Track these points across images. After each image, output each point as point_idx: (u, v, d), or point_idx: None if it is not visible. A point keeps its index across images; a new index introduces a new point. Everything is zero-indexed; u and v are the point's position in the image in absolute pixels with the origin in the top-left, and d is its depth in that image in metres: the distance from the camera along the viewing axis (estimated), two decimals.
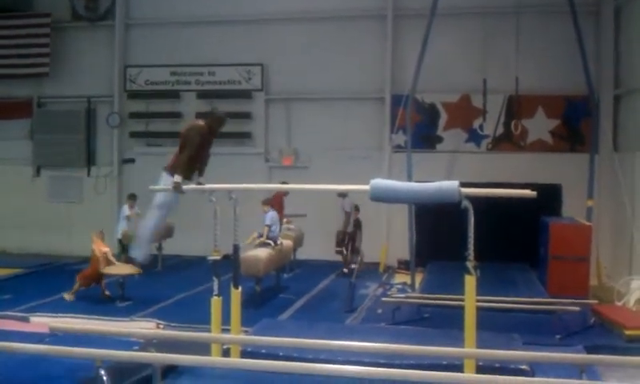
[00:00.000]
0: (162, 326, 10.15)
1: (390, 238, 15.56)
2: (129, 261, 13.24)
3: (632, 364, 6.78)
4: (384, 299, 11.21)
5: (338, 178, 9.53)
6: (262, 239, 12.21)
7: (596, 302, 10.87)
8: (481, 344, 6.88)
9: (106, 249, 11.83)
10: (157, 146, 16.67)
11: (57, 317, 10.30)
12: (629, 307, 11.02)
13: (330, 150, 16.24)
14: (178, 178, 7.63)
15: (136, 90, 17.40)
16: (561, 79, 15.07)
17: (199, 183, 7.93)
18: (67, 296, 11.69)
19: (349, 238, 14.55)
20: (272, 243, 12.21)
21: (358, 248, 14.41)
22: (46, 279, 13.97)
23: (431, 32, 12.68)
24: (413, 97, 13.52)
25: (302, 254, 15.30)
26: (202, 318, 8.64)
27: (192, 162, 7.87)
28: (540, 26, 15.05)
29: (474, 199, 6.65)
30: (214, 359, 7.39)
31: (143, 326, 10.04)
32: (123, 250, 13.92)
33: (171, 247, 15.28)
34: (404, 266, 14.79)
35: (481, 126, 15.14)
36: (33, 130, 17.79)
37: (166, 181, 7.83)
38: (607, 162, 14.11)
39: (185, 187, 7.68)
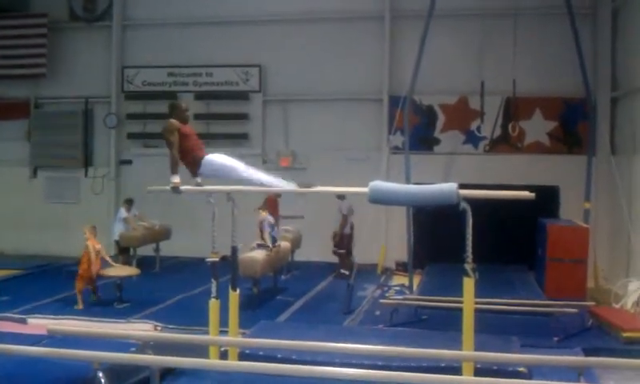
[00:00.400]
0: (159, 328, 10.12)
1: (387, 240, 15.54)
2: (126, 262, 13.26)
3: (629, 366, 6.80)
4: (382, 301, 11.23)
5: (336, 180, 9.48)
6: (269, 248, 12.07)
7: (593, 304, 10.87)
8: (479, 346, 6.86)
9: (98, 245, 11.73)
10: (154, 147, 16.56)
11: (55, 319, 10.29)
12: (626, 309, 11.04)
13: (327, 152, 16.21)
14: (176, 179, 7.61)
15: (133, 90, 17.36)
16: (558, 81, 15.10)
17: (197, 184, 7.91)
18: (78, 308, 11.32)
19: (347, 240, 14.54)
20: (270, 245, 12.17)
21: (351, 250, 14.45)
22: (43, 281, 13.93)
23: (429, 34, 12.67)
24: (410, 98, 13.50)
25: (300, 256, 15.26)
26: (199, 320, 8.64)
27: (185, 157, 7.78)
28: (537, 28, 15.09)
29: (471, 201, 6.64)
30: (212, 362, 7.37)
31: (141, 328, 9.99)
32: (120, 252, 13.89)
33: (169, 249, 15.29)
34: (402, 267, 14.78)
35: (478, 128, 15.18)
36: (30, 130, 17.74)
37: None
38: (604, 164, 14.10)
39: (182, 188, 7.66)
